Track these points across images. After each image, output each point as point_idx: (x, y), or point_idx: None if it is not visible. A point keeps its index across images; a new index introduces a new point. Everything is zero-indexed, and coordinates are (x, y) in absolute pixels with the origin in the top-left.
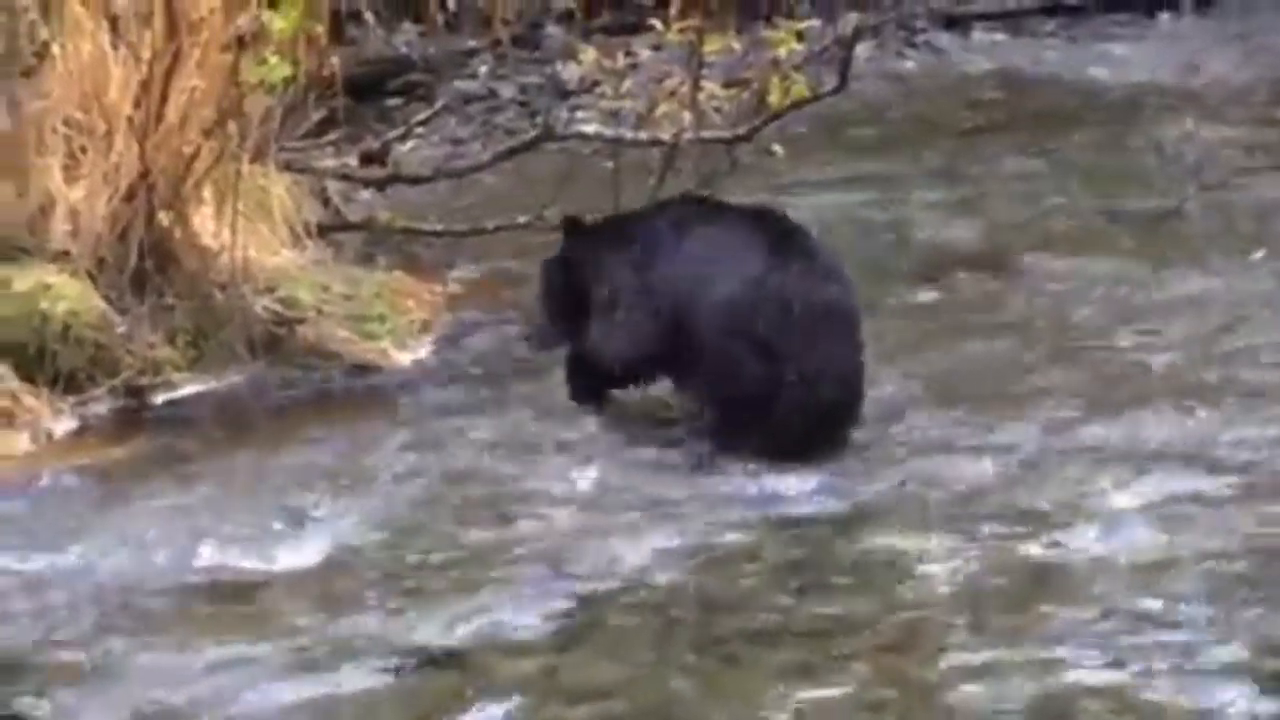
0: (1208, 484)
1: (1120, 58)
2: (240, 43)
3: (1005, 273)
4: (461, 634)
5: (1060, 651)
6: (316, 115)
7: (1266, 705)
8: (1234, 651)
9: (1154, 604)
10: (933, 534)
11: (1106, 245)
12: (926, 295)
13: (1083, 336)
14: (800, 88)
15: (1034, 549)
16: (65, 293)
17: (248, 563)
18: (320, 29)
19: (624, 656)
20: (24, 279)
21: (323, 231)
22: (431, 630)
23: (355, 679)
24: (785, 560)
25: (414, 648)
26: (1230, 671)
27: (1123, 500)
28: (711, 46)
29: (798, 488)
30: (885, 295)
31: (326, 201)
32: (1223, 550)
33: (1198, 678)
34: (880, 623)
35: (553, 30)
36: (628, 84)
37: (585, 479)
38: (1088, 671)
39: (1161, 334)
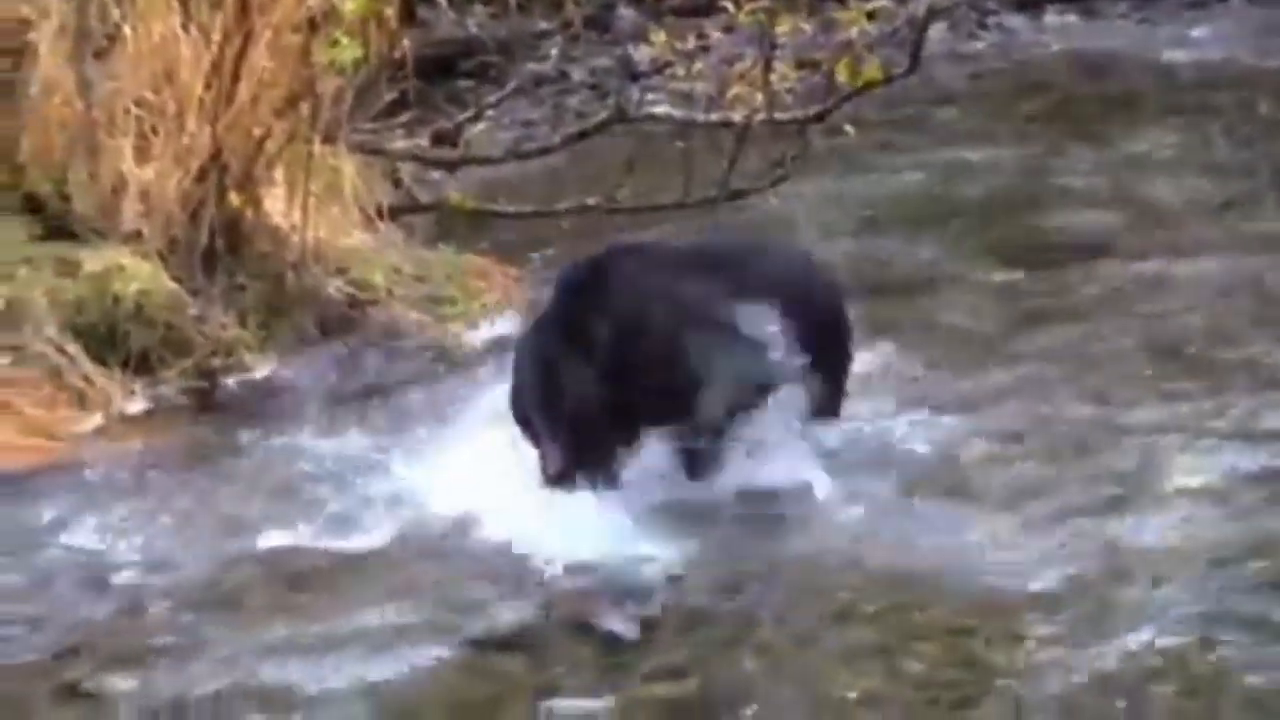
0: None
1: (1196, 39)
2: (311, 24)
3: (1088, 256)
4: (532, 615)
5: (1131, 631)
6: (388, 97)
7: None
8: None
9: (1226, 585)
10: (1002, 515)
11: (1189, 231)
12: (1010, 276)
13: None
14: (872, 69)
15: (1107, 530)
16: (137, 274)
17: (317, 544)
18: (391, 10)
19: (697, 637)
20: (95, 260)
21: (394, 213)
22: (502, 611)
23: (425, 660)
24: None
25: (484, 629)
26: None
27: (1196, 482)
28: (782, 27)
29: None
30: (968, 274)
31: (398, 183)
32: None
33: (1270, 655)
34: (950, 603)
35: (624, 12)
36: (699, 66)
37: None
38: (1158, 652)
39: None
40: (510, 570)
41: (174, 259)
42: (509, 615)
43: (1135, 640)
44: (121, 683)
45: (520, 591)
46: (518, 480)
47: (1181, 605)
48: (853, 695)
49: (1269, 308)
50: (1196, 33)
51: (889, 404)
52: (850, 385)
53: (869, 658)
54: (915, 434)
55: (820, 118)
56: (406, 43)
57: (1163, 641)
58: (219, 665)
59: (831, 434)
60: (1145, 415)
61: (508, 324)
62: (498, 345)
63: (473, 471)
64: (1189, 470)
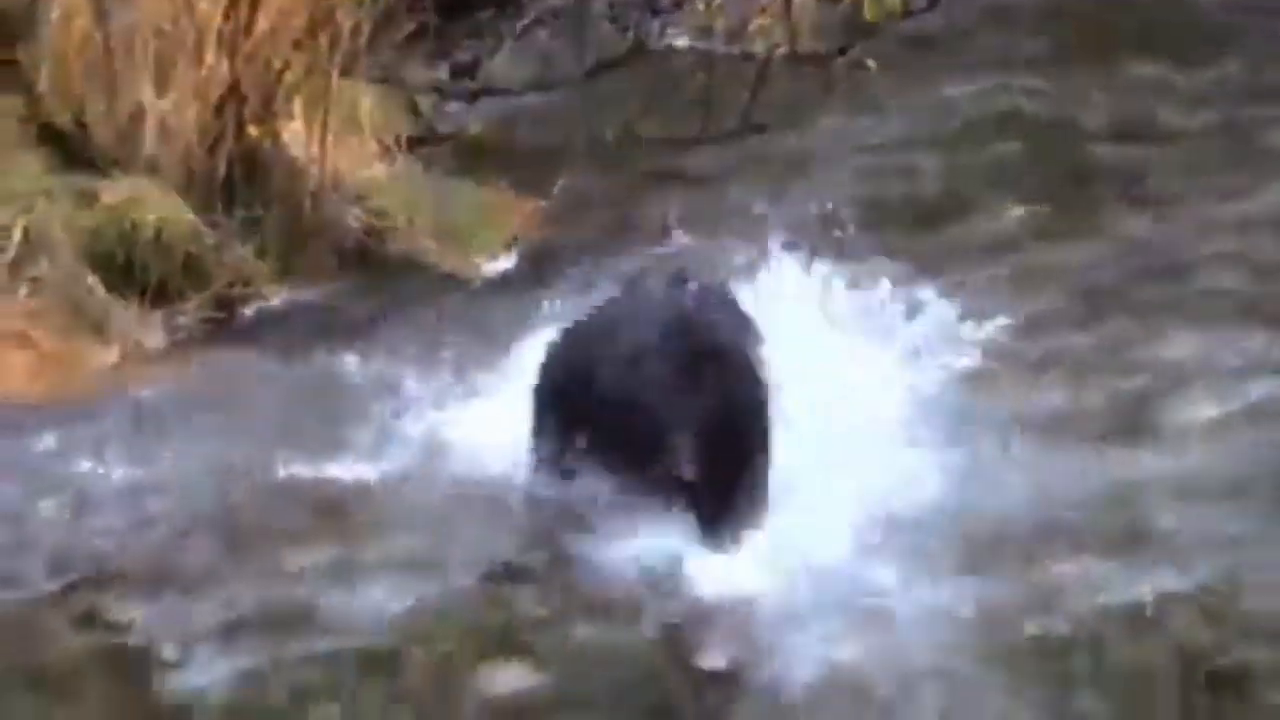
0: None
1: None
2: None
3: (1114, 187)
4: (554, 548)
5: (1149, 565)
6: (407, 28)
7: None
8: None
9: (1242, 519)
10: (1022, 447)
11: (1213, 161)
12: (1036, 207)
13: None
14: (893, 2)
15: (1122, 464)
16: (154, 205)
17: (337, 472)
18: None
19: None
20: (113, 191)
21: (412, 144)
22: (520, 542)
23: (449, 587)
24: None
25: (505, 558)
26: None
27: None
28: None
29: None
30: (994, 203)
31: (416, 114)
32: None
33: None
34: (965, 534)
35: None
36: None
37: None
38: (1176, 585)
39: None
40: (529, 500)
41: (192, 190)
42: (526, 546)
43: (1155, 571)
44: (141, 610)
45: (538, 522)
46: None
47: (1199, 538)
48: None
49: None
50: None
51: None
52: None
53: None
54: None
55: (842, 51)
56: None
57: (1182, 574)
58: (240, 592)
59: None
60: (1168, 345)
61: (525, 255)
62: (516, 276)
63: (494, 402)
64: (1212, 400)
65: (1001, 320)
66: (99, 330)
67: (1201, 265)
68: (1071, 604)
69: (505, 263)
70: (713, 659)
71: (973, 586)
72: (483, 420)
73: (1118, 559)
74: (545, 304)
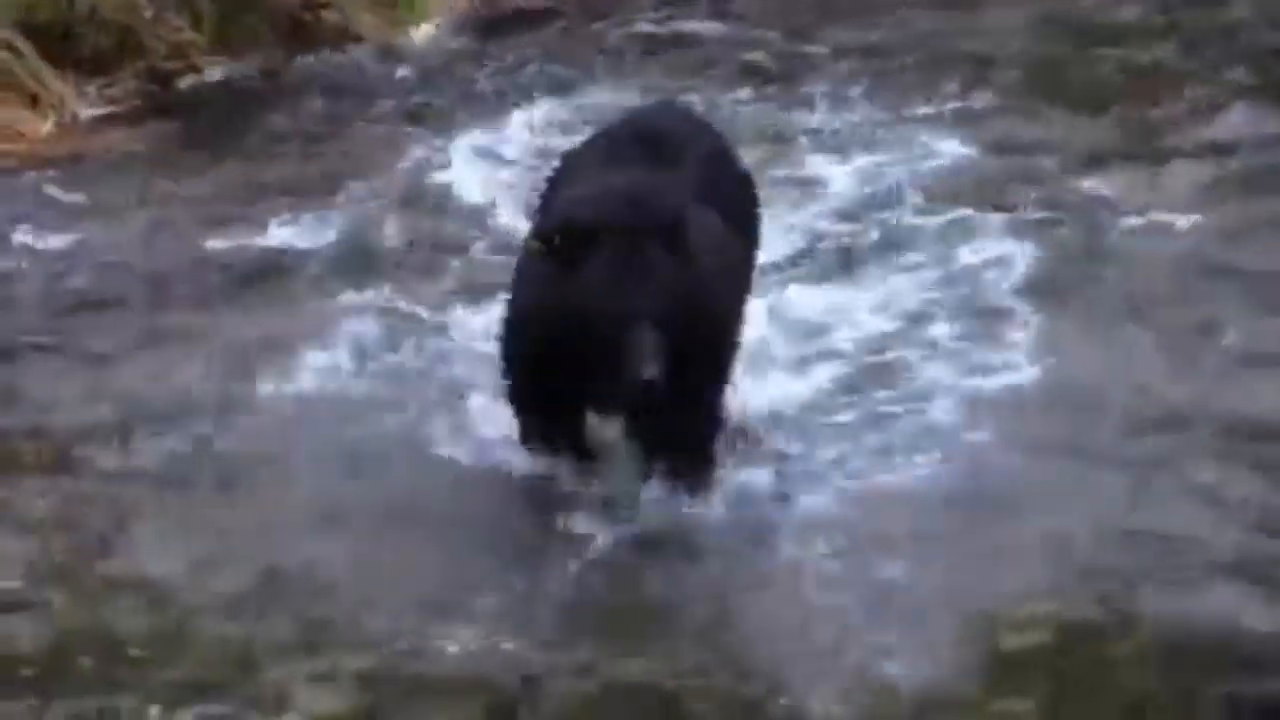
0: None
1: None
2: None
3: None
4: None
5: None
6: None
7: None
8: None
9: None
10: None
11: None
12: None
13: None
14: None
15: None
16: None
17: (267, 243)
18: None
19: None
20: None
21: None
22: (448, 310)
23: (370, 349)
24: None
25: (434, 306)
26: None
27: None
28: None
29: None
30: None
31: None
32: None
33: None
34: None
35: None
36: None
37: None
38: None
39: None
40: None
41: None
42: (450, 316)
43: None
44: (67, 384)
45: (467, 294)
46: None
47: None
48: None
49: None
50: None
51: None
52: None
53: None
54: None
55: None
56: None
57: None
58: (166, 365)
59: None
60: None
61: (458, 26)
62: (446, 46)
63: (421, 170)
64: None
65: None
66: (34, 100)
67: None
68: None
69: (439, 32)
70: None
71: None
72: (412, 189)
73: None
74: (479, 77)
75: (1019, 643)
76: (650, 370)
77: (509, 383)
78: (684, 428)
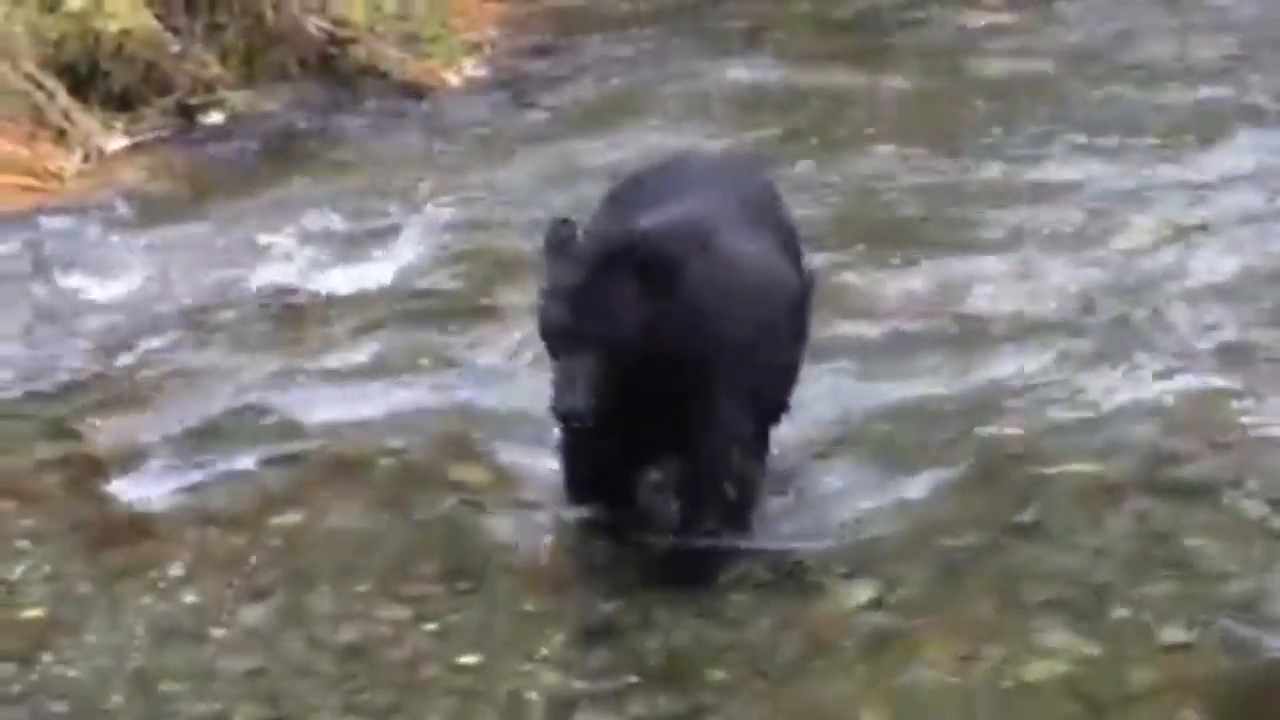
0: None
1: None
2: None
3: None
4: (510, 355)
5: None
6: None
7: None
8: None
9: None
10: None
11: None
12: None
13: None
14: None
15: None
16: (118, 11)
17: (301, 283)
18: None
19: None
20: None
21: None
22: (482, 348)
23: (409, 393)
24: None
25: (468, 364)
26: None
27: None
28: None
29: None
30: None
31: None
32: None
33: None
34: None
35: None
36: None
37: None
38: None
39: None
40: (492, 307)
41: None
42: (487, 352)
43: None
44: (104, 419)
45: (502, 330)
46: (493, 223)
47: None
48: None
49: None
50: None
51: None
52: None
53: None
54: None
55: None
56: None
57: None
58: (203, 399)
59: None
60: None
61: (490, 63)
62: (476, 81)
63: (453, 212)
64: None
65: None
66: (61, 137)
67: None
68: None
69: (466, 70)
70: None
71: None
72: (446, 231)
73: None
74: (509, 115)
75: None
76: (570, 398)
77: None
78: (693, 472)
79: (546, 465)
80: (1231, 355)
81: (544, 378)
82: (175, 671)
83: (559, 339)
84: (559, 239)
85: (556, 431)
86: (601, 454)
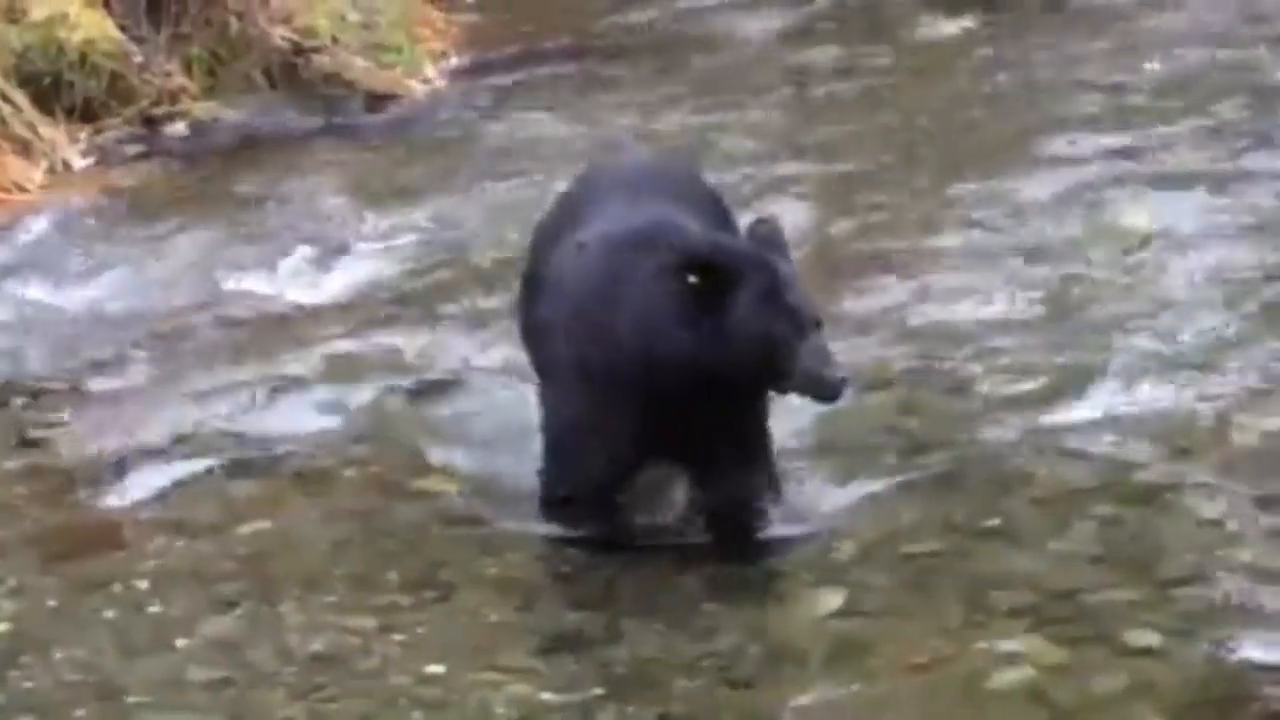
0: None
1: None
2: None
3: None
4: (470, 359)
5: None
6: None
7: None
8: None
9: None
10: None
11: None
12: None
13: None
14: None
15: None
16: (81, 22)
17: (266, 290)
18: None
19: None
20: (40, 8)
21: None
22: (445, 356)
23: (374, 401)
24: None
25: (432, 373)
26: None
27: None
28: None
29: None
30: None
31: None
32: None
33: None
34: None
35: None
36: None
37: None
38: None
39: None
40: (456, 313)
41: (118, 7)
42: (448, 360)
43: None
44: (74, 428)
45: (466, 338)
46: (464, 226)
47: None
48: None
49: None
50: None
51: None
52: None
53: None
54: None
55: None
56: None
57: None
58: (170, 409)
59: None
60: None
61: (449, 71)
62: (441, 93)
63: (419, 218)
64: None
65: None
66: (26, 148)
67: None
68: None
69: (431, 80)
70: None
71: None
72: (409, 240)
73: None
74: (472, 125)
75: None
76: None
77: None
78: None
79: (514, 473)
80: (1193, 362)
81: (507, 385)
82: (142, 683)
83: (812, 319)
84: (767, 232)
85: (558, 434)
86: (627, 455)
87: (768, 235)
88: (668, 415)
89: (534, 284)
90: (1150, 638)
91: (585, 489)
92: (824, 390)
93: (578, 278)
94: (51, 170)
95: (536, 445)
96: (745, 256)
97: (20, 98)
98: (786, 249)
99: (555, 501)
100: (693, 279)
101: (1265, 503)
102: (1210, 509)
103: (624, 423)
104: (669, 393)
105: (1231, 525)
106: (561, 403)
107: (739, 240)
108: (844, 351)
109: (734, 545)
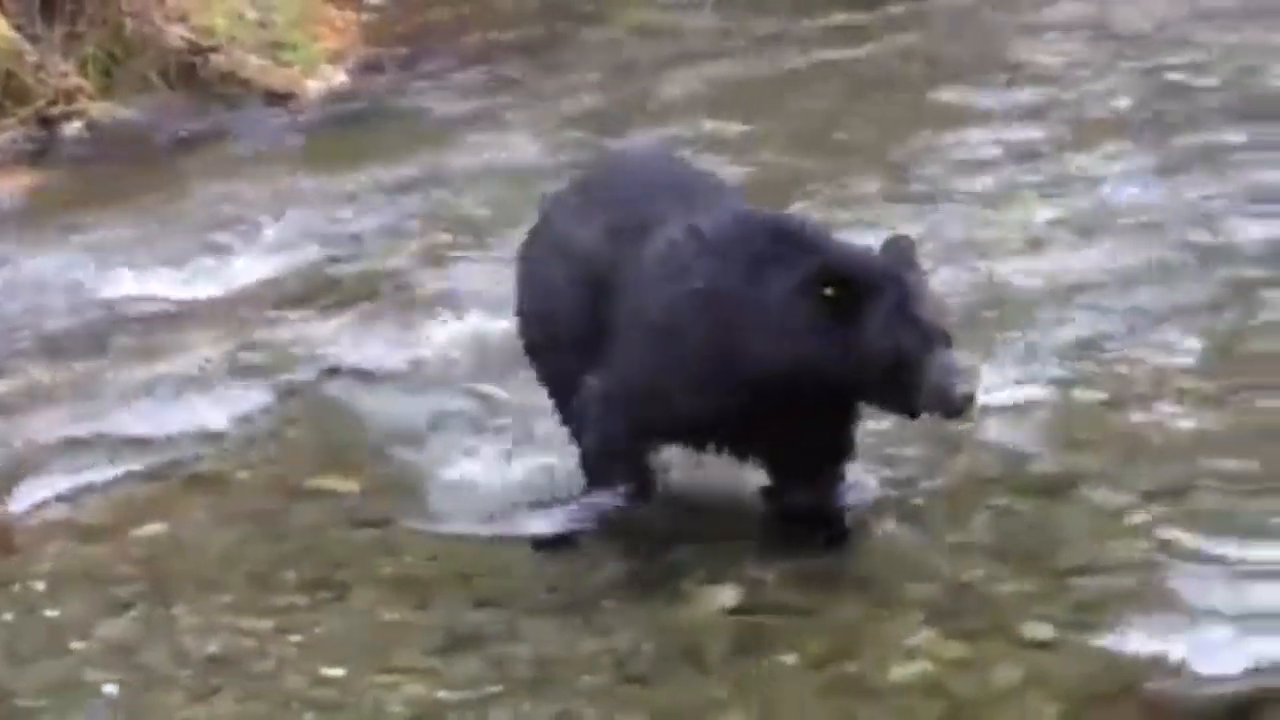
0: None
1: None
2: None
3: None
4: (376, 357)
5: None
6: None
7: None
8: None
9: None
10: None
11: None
12: None
13: None
14: None
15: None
16: None
17: (163, 290)
18: None
19: None
20: None
21: None
22: (343, 354)
23: (271, 401)
24: None
25: (329, 371)
26: None
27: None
28: None
29: None
30: None
31: None
32: None
33: None
34: None
35: None
36: None
37: None
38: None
39: None
40: (351, 312)
41: (12, 6)
42: (347, 359)
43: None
44: None
45: (364, 336)
46: (359, 224)
47: None
48: None
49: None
50: None
51: None
52: None
53: None
54: None
55: None
56: None
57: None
58: (66, 411)
59: None
60: None
61: (347, 69)
62: (338, 90)
63: (318, 221)
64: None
65: None
66: None
67: None
68: None
69: (328, 78)
70: None
71: None
72: (305, 237)
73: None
74: (368, 123)
75: None
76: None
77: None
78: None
79: (413, 472)
80: (1089, 355)
81: (406, 383)
82: (36, 687)
83: (942, 334)
84: (903, 248)
85: (608, 415)
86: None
87: (901, 250)
88: (763, 413)
89: (608, 268)
90: (1045, 630)
91: (635, 454)
92: (948, 405)
93: (702, 265)
94: None
95: (437, 444)
96: (881, 270)
97: None
98: (918, 264)
99: (604, 454)
100: (830, 290)
101: (1158, 494)
102: (1105, 500)
103: (713, 406)
104: (779, 393)
105: (1126, 517)
106: (653, 367)
107: (873, 253)
108: None
109: (831, 541)
